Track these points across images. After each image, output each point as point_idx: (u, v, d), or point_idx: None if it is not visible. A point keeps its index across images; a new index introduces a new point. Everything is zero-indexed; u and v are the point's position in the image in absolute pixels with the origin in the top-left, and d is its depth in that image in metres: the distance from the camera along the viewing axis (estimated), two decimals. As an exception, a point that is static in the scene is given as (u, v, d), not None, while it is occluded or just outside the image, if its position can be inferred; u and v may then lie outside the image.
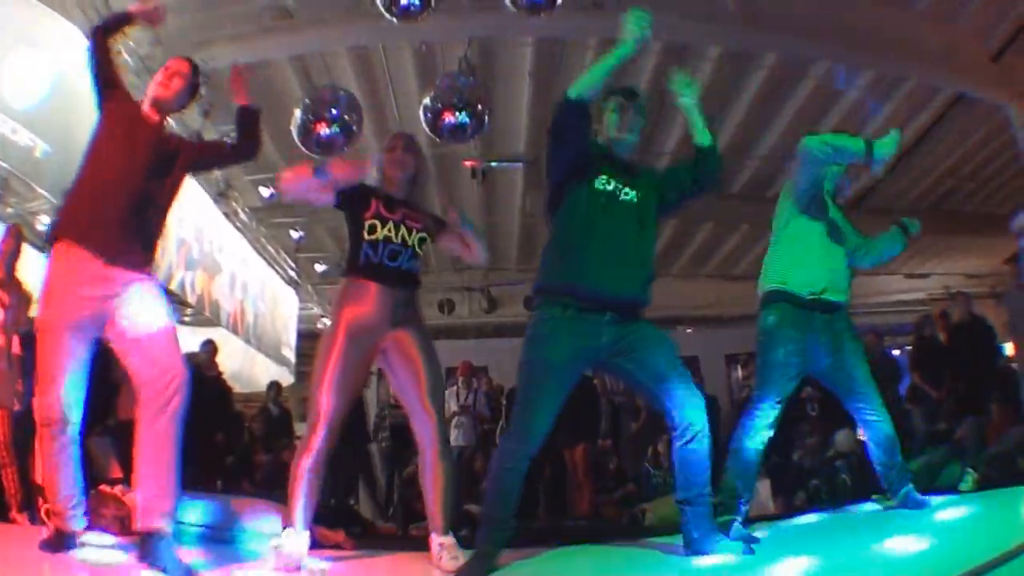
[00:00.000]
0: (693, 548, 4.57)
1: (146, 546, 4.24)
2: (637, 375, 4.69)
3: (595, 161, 4.82)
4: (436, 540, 4.93)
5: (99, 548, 4.80)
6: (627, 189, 4.79)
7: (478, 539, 4.57)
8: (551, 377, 4.54)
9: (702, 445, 4.61)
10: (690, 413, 4.57)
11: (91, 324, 4.48)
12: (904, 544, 4.27)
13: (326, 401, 4.90)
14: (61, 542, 4.59)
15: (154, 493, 4.32)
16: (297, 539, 4.82)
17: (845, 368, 5.76)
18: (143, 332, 4.51)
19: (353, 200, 5.17)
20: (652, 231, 4.88)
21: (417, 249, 5.15)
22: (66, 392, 4.45)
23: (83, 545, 4.66)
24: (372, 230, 5.06)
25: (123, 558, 4.56)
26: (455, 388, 13.21)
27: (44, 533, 4.72)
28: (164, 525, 4.27)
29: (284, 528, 4.91)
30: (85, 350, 4.53)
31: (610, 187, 4.75)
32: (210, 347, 11.83)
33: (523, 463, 4.58)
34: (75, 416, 4.55)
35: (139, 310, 4.53)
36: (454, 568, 4.68)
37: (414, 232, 5.12)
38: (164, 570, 4.15)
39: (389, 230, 5.05)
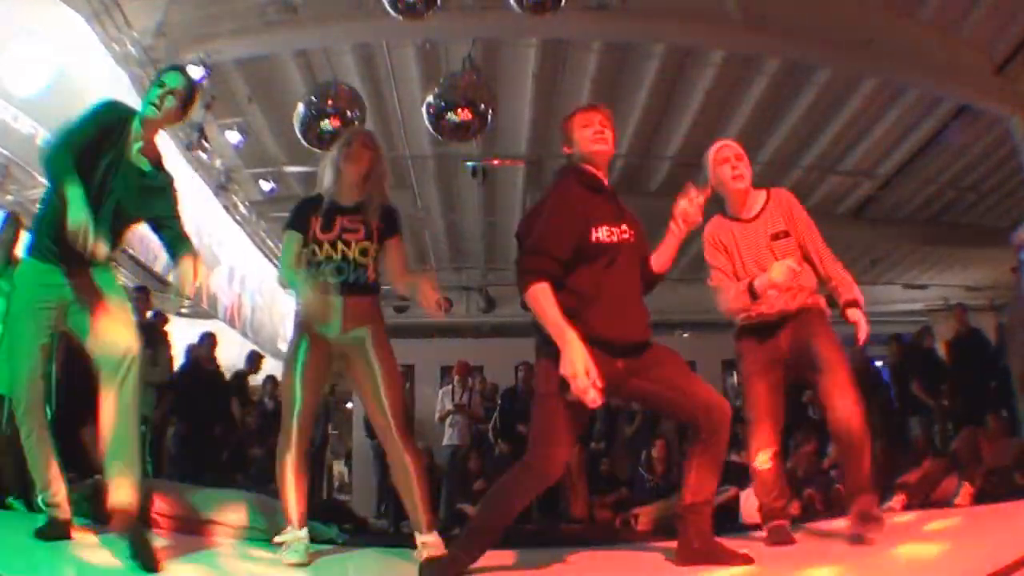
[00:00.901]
0: (690, 559, 4.49)
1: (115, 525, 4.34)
2: (657, 389, 4.55)
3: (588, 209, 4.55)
4: (419, 539, 4.97)
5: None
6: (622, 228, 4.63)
7: (462, 541, 4.49)
8: (571, 411, 4.37)
9: (721, 448, 4.58)
10: (716, 414, 4.49)
11: None
12: (900, 558, 4.26)
13: (293, 406, 5.09)
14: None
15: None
16: (299, 534, 4.94)
17: None
18: None
19: (303, 223, 5.23)
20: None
21: (359, 259, 5.13)
22: None
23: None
24: (314, 253, 5.13)
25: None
26: (450, 387, 13.21)
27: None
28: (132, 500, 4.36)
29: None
30: None
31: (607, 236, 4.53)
32: (209, 340, 11.80)
33: (538, 492, 4.56)
34: None
35: None
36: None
37: (352, 244, 5.11)
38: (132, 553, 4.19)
39: (327, 250, 5.09)
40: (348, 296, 5.06)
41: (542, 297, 4.25)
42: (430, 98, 12.01)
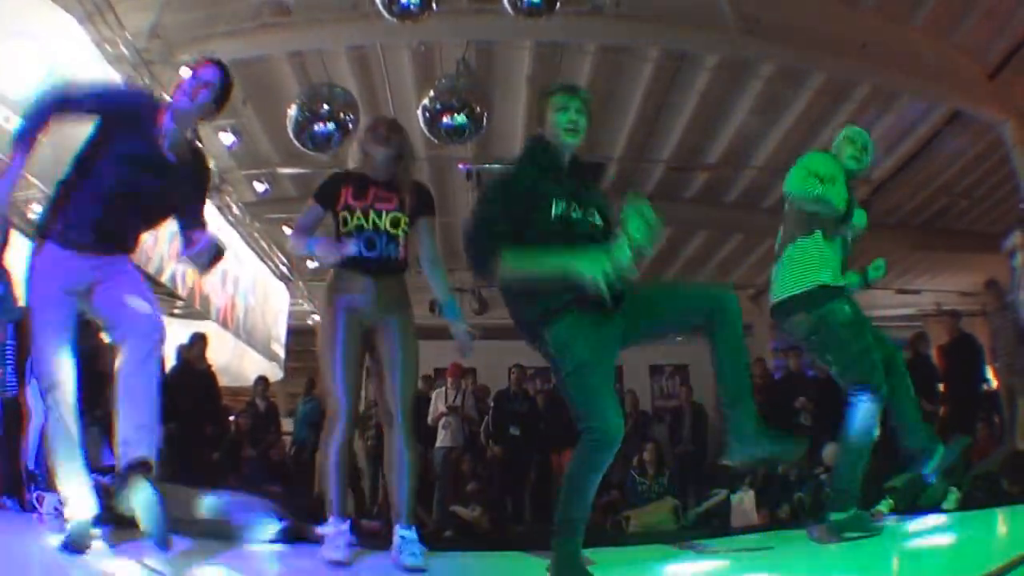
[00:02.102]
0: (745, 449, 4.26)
1: (123, 483, 4.22)
2: (654, 317, 4.38)
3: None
4: (398, 532, 4.92)
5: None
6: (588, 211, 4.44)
7: (558, 544, 4.20)
8: (598, 371, 4.23)
9: (738, 328, 4.28)
10: (715, 298, 4.31)
11: None
12: (888, 563, 4.28)
13: (338, 391, 4.94)
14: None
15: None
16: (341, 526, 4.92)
17: None
18: None
19: (327, 197, 5.16)
20: None
21: (391, 231, 5.08)
22: None
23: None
24: (344, 222, 5.07)
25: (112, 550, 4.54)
26: (443, 389, 13.20)
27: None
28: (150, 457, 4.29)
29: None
30: None
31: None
32: (199, 341, 11.78)
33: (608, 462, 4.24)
34: None
35: None
36: (412, 565, 4.66)
37: (384, 215, 5.07)
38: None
39: (359, 218, 5.03)
40: (379, 277, 5.05)
41: (519, 260, 4.19)
42: (425, 101, 12.03)
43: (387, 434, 5.10)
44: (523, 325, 4.38)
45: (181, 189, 4.66)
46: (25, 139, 4.50)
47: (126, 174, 4.43)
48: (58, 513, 5.79)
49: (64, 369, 4.33)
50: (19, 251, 7.49)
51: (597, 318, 4.15)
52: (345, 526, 4.95)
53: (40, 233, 4.49)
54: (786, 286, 5.72)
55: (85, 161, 4.53)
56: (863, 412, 5.36)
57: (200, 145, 4.83)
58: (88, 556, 4.25)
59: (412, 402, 5.21)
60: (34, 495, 6.92)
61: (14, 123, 9.58)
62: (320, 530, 5.02)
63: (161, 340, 4.48)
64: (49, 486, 6.95)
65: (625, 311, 4.25)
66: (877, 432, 5.40)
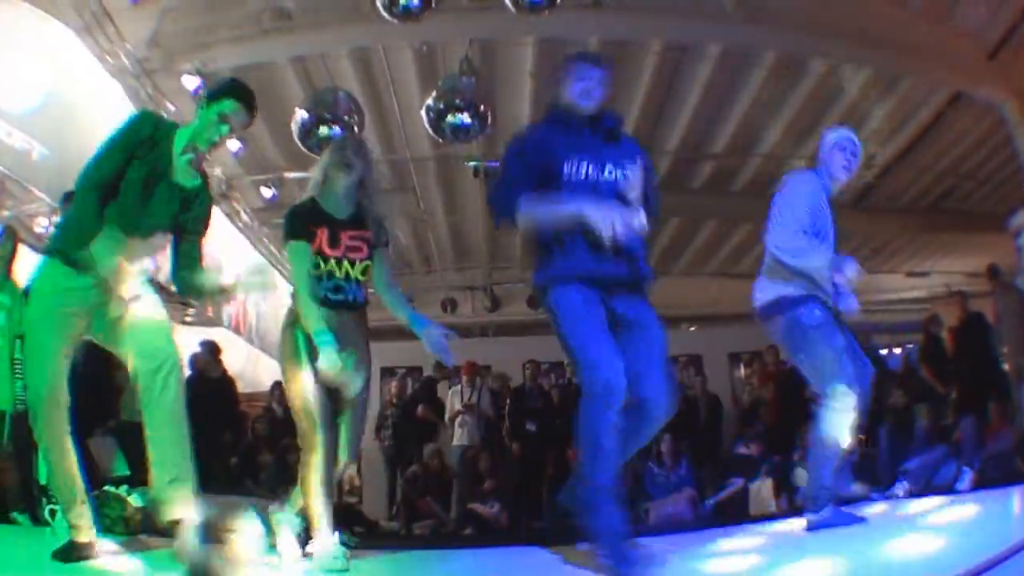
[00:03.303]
0: None
1: (177, 537, 4.17)
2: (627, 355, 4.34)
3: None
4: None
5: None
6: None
7: (595, 522, 4.17)
8: (589, 312, 4.34)
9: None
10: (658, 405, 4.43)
11: None
12: (903, 544, 4.28)
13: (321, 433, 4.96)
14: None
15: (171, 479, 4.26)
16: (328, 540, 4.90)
17: None
18: None
19: (303, 228, 5.13)
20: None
21: (360, 278, 5.18)
22: None
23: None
24: (316, 266, 5.08)
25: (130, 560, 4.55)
26: (459, 387, 13.22)
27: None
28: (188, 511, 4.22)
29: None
30: None
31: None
32: (210, 347, 11.78)
33: (611, 414, 4.17)
34: None
35: None
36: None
37: (356, 264, 5.15)
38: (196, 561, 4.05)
39: (331, 266, 5.09)
40: (342, 314, 5.11)
41: (531, 209, 4.36)
42: (429, 101, 12.05)
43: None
44: (534, 288, 4.62)
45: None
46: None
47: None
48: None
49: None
50: (28, 264, 7.56)
51: (597, 293, 4.24)
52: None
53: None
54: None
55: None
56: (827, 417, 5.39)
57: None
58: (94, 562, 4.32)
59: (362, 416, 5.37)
60: (46, 509, 6.95)
61: (16, 138, 9.64)
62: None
63: (175, 366, 4.42)
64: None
65: (624, 322, 4.34)
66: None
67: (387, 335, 8.91)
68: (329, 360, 4.77)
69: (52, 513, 6.61)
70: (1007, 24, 11.93)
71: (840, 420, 5.31)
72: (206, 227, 4.77)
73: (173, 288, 4.93)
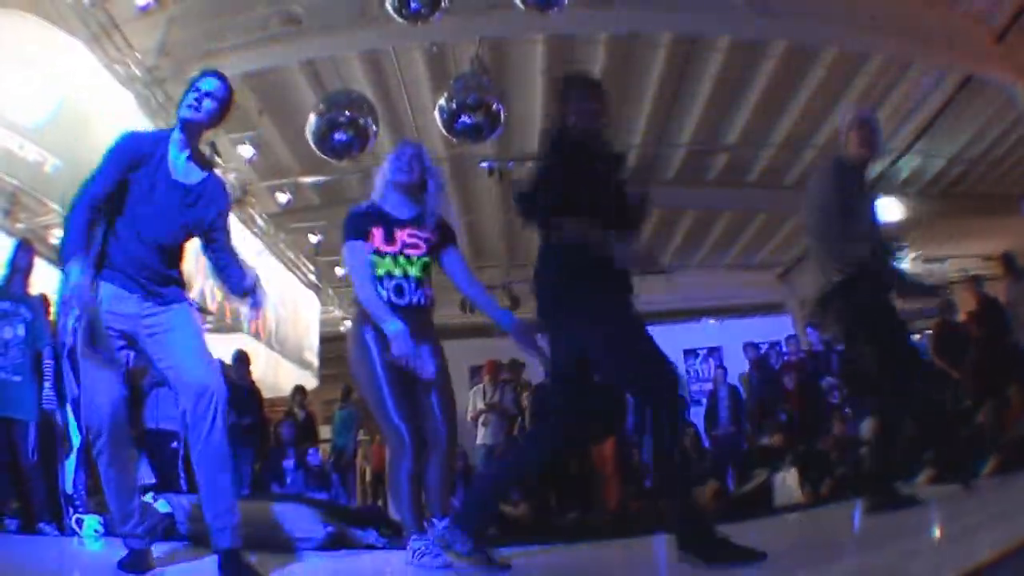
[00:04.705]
0: None
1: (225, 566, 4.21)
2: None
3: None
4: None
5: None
6: None
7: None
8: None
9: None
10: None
11: None
12: (924, 530, 4.28)
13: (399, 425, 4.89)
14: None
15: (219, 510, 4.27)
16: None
17: None
18: None
19: (357, 229, 5.09)
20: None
21: (420, 276, 5.08)
22: None
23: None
24: (374, 266, 5.02)
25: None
26: (481, 386, 13.23)
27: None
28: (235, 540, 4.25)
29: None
30: None
31: None
32: (242, 359, 11.77)
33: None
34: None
35: None
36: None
37: (415, 260, 5.06)
38: None
39: (388, 264, 5.01)
40: (410, 319, 4.94)
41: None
42: (441, 102, 12.04)
43: (432, 444, 5.04)
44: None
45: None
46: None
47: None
48: (99, 535, 5.84)
49: None
50: (44, 278, 7.58)
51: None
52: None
53: None
54: None
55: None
56: None
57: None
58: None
59: (455, 420, 5.23)
60: (73, 519, 6.97)
61: (28, 151, 9.68)
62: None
63: (220, 401, 4.33)
64: (88, 509, 7.04)
65: None
66: None
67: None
68: (399, 342, 4.75)
69: (79, 523, 6.64)
70: (1015, 7, 11.90)
71: None
72: (225, 221, 4.66)
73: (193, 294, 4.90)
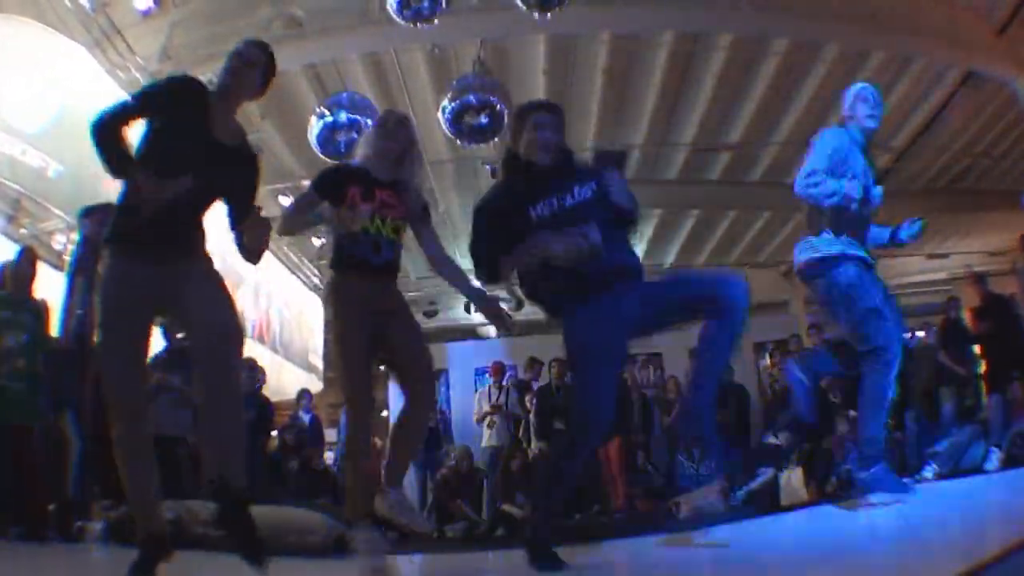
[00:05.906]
0: None
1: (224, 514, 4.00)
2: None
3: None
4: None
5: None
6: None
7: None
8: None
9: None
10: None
11: None
12: (931, 524, 4.27)
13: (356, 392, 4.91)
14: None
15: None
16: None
17: None
18: None
19: (331, 190, 5.08)
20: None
21: (393, 237, 5.06)
22: None
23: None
24: (351, 220, 4.96)
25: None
26: (487, 388, 13.24)
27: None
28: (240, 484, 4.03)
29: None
30: None
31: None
32: (251, 366, 11.74)
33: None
34: None
35: None
36: None
37: (388, 220, 5.02)
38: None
39: (364, 222, 4.95)
40: (379, 278, 5.02)
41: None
42: (444, 103, 12.05)
43: (408, 404, 5.03)
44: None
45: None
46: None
47: None
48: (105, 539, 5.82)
49: None
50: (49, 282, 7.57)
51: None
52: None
53: None
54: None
55: None
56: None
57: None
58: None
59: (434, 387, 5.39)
60: (77, 525, 6.97)
61: (30, 156, 9.67)
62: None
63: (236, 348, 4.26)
64: (93, 515, 7.02)
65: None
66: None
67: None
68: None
69: (81, 531, 6.63)
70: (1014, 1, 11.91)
71: (883, 376, 5.38)
72: (252, 189, 4.56)
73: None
